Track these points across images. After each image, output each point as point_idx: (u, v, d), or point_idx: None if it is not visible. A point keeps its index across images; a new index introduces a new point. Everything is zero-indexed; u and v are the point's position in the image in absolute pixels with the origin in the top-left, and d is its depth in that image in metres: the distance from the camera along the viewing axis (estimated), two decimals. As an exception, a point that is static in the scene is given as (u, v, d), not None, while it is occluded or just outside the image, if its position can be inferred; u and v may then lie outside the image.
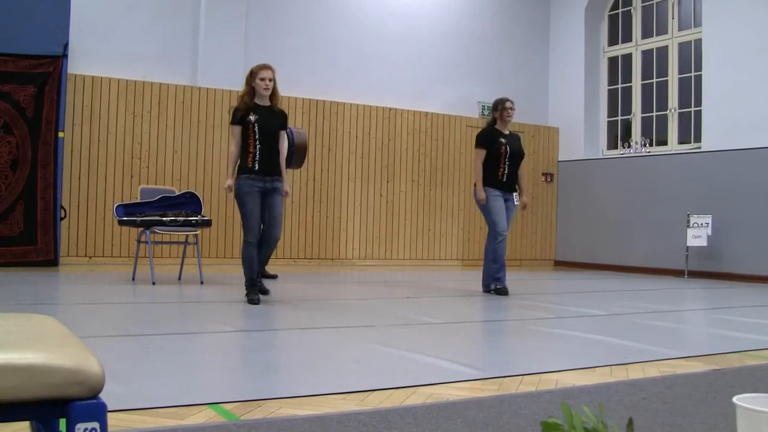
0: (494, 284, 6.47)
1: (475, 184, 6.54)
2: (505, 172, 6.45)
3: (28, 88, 7.66)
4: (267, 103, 5.35)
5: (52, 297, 5.76)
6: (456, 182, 10.76)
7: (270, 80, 5.28)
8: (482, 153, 6.48)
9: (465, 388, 2.80)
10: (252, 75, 5.31)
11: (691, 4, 10.14)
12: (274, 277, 7.31)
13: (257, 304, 5.17)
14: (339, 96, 9.88)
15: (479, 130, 6.86)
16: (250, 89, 5.30)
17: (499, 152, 6.42)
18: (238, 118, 5.28)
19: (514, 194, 6.57)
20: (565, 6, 11.44)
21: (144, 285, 6.30)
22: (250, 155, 5.24)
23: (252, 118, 5.24)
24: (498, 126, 6.56)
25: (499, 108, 6.55)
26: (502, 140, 6.46)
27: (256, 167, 5.23)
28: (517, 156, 6.53)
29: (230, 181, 5.27)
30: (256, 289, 5.30)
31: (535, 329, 4.61)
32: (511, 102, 6.59)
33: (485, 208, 6.49)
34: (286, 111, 5.84)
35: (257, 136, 5.22)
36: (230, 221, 8.97)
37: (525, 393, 2.71)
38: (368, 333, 4.12)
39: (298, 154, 7.08)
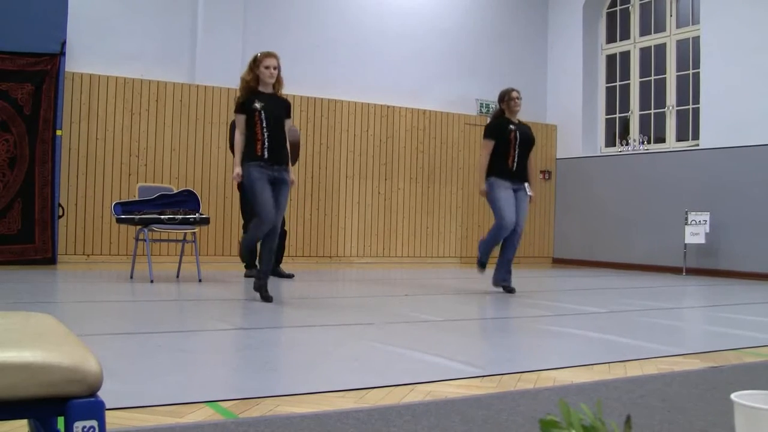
0: (484, 263, 6.41)
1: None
2: (515, 160, 6.20)
3: (25, 86, 7.65)
4: (270, 90, 5.24)
5: (50, 295, 5.76)
6: (454, 180, 10.76)
7: (275, 68, 5.18)
8: (490, 144, 6.24)
9: (463, 385, 2.80)
10: (256, 62, 5.19)
11: (689, 1, 10.14)
12: (290, 276, 7.30)
13: (254, 276, 5.21)
14: (337, 93, 9.88)
15: (486, 123, 6.70)
16: (254, 77, 5.18)
17: (509, 139, 6.18)
18: (243, 106, 5.16)
19: (525, 184, 6.31)
20: (563, 3, 11.44)
21: (142, 283, 6.29)
22: (259, 142, 5.10)
23: (258, 105, 5.11)
24: (507, 115, 6.34)
25: (506, 98, 6.33)
26: (512, 127, 6.24)
27: (266, 155, 5.10)
28: (528, 142, 6.30)
29: (239, 169, 5.12)
30: (253, 261, 5.23)
31: (533, 326, 4.61)
32: (518, 92, 6.37)
33: (492, 199, 6.25)
34: None
35: (264, 124, 5.10)
36: (228, 219, 8.97)
37: (523, 390, 2.71)
38: (366, 331, 4.12)
39: (291, 152, 7.06)
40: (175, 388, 2.61)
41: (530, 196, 6.34)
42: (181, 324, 4.44)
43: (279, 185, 5.21)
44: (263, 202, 5.08)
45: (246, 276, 7.14)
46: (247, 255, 5.27)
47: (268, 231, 5.16)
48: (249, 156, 5.13)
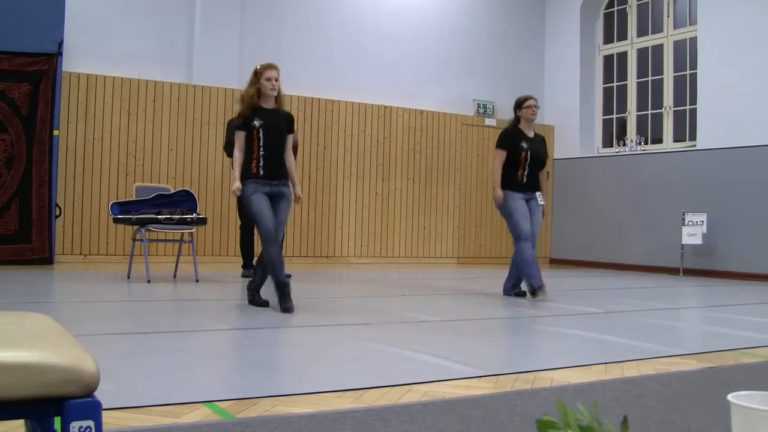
0: (518, 289, 6.19)
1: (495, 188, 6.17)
2: (525, 173, 6.10)
3: (22, 86, 7.64)
4: (272, 105, 5.11)
5: (47, 295, 5.75)
6: (451, 180, 10.76)
7: (276, 80, 5.06)
8: (502, 154, 6.11)
9: (461, 385, 2.80)
10: (257, 75, 5.07)
11: (686, 2, 10.15)
12: (287, 276, 7.26)
13: (292, 312, 4.83)
14: (334, 94, 9.87)
15: (501, 129, 6.45)
16: (256, 90, 5.05)
17: (520, 157, 6.08)
18: (243, 123, 5.05)
19: (537, 193, 6.17)
20: (561, 4, 11.45)
21: (139, 283, 6.29)
22: (254, 161, 5.01)
23: (256, 123, 5.00)
24: (522, 126, 6.19)
25: (523, 106, 6.17)
26: (524, 144, 6.09)
27: (261, 172, 5.00)
28: (539, 161, 6.19)
29: (238, 183, 5.00)
30: (288, 293, 4.94)
31: (530, 327, 4.61)
32: (535, 100, 6.22)
33: (506, 212, 6.12)
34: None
35: (261, 142, 4.99)
36: (225, 219, 8.97)
37: (520, 391, 2.72)
38: (364, 331, 4.12)
39: None
40: (172, 388, 2.60)
41: (542, 205, 6.21)
42: (178, 324, 4.44)
43: (278, 200, 5.07)
44: (262, 215, 4.96)
45: (243, 276, 7.14)
46: (274, 273, 5.07)
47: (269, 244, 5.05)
48: (245, 174, 5.04)
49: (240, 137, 5.07)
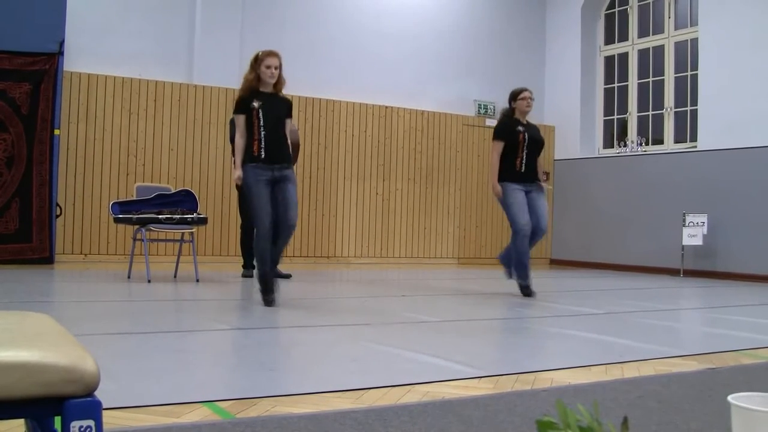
0: (520, 280, 6.21)
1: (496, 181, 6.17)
2: (524, 161, 6.08)
3: (23, 85, 7.64)
4: (271, 90, 5.14)
5: (47, 295, 5.75)
6: (452, 180, 10.76)
7: (276, 68, 5.09)
8: (499, 145, 6.11)
9: (460, 386, 2.80)
10: (257, 61, 5.10)
11: (687, 3, 10.15)
12: (287, 276, 7.27)
13: (272, 305, 4.94)
14: (335, 94, 9.88)
15: (494, 124, 6.46)
16: (255, 76, 5.09)
17: (518, 141, 6.08)
18: (242, 106, 5.07)
19: (537, 182, 6.18)
20: (562, 5, 11.45)
21: (140, 283, 6.29)
22: (256, 142, 5.00)
23: (256, 104, 5.02)
24: (517, 116, 6.22)
25: (518, 98, 6.19)
26: (520, 128, 6.13)
27: (263, 155, 4.99)
28: (537, 143, 6.19)
29: (239, 172, 5.02)
30: (270, 288, 4.98)
31: (530, 327, 4.61)
32: (530, 92, 6.24)
33: (504, 203, 6.14)
34: None
35: (262, 123, 5.00)
36: (226, 219, 8.97)
37: (520, 391, 2.71)
38: (364, 331, 4.12)
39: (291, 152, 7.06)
40: (172, 388, 2.60)
41: (548, 189, 6.18)
42: (178, 324, 4.44)
43: (282, 183, 5.05)
44: (259, 207, 4.97)
45: (243, 276, 7.14)
46: (261, 265, 5.09)
47: (282, 230, 5.01)
48: (247, 157, 5.04)
49: (240, 121, 5.07)
